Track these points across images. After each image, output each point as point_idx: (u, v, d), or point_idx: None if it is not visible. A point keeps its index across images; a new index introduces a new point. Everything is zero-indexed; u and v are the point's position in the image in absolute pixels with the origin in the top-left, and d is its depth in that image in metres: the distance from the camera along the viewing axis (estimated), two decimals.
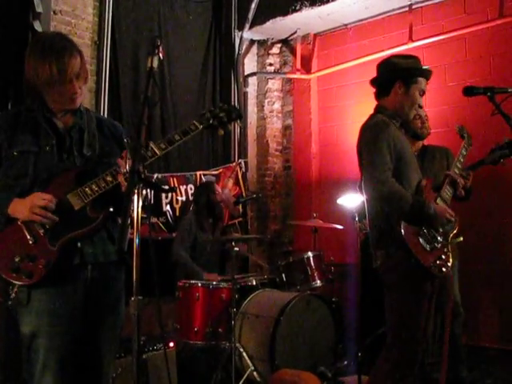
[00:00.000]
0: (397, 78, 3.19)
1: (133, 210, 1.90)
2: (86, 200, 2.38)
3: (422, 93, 3.23)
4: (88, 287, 2.44)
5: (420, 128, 4.10)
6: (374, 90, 3.34)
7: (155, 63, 2.19)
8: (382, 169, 3.00)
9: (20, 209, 2.35)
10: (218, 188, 5.47)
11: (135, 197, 1.90)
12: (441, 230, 3.10)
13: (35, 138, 2.44)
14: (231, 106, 2.58)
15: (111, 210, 2.45)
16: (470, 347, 4.56)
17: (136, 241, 1.87)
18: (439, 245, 3.05)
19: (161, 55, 2.23)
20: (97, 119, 2.65)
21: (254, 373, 4.29)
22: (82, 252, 2.43)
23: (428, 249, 3.01)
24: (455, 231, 3.21)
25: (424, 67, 3.27)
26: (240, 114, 2.60)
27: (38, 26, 4.88)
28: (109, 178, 2.38)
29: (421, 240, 3.00)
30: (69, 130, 2.51)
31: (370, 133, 3.13)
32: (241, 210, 6.56)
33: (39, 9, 4.88)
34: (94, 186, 2.38)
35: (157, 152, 2.41)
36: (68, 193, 2.39)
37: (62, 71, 2.34)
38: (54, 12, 5.19)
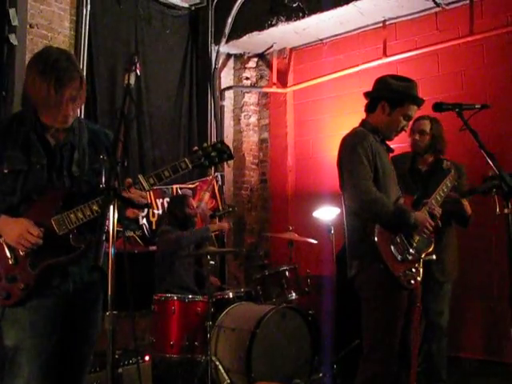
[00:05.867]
0: (383, 97, 3.23)
1: (108, 226, 1.90)
2: (70, 227, 2.35)
3: (408, 118, 3.25)
4: (69, 300, 2.44)
5: None
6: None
7: (132, 80, 2.20)
8: (362, 177, 3.05)
9: (7, 231, 2.33)
10: (192, 202, 5.47)
11: (110, 211, 1.90)
12: (414, 244, 3.15)
13: (26, 155, 2.40)
14: (224, 146, 2.53)
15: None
16: (452, 358, 4.58)
17: (111, 254, 1.88)
18: (411, 257, 3.10)
19: (138, 72, 2.25)
20: (89, 131, 2.61)
21: None
22: (66, 271, 2.42)
23: (399, 259, 3.05)
24: (430, 249, 3.25)
25: (415, 95, 3.24)
26: (231, 155, 2.56)
27: (13, 40, 4.86)
28: (95, 207, 2.34)
29: (393, 249, 3.05)
30: (60, 147, 2.48)
31: (349, 143, 3.19)
32: (217, 223, 6.55)
33: (15, 22, 4.85)
34: (79, 214, 2.34)
35: (145, 186, 2.38)
36: (53, 215, 2.35)
37: (59, 93, 2.30)
38: (30, 25, 5.17)
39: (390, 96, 3.21)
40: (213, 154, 2.47)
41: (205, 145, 2.50)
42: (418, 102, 3.24)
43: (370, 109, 3.32)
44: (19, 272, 2.33)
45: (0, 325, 2.34)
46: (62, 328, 2.40)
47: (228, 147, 2.54)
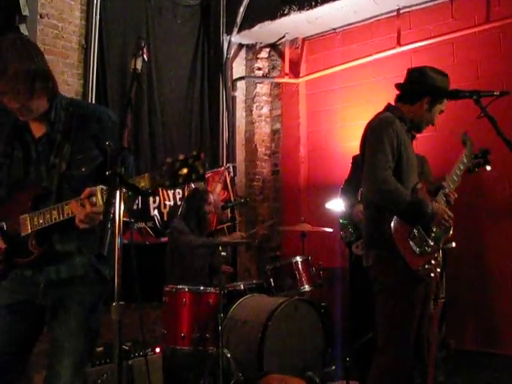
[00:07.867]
0: (428, 93, 3.19)
1: (114, 214, 1.85)
2: (32, 229, 2.28)
3: (441, 112, 3.26)
4: (44, 292, 2.38)
5: None
6: (397, 92, 3.32)
7: (139, 65, 2.14)
8: (382, 167, 2.99)
9: None
10: (211, 197, 5.38)
11: (117, 200, 1.85)
12: (433, 235, 3.09)
13: (8, 148, 2.39)
14: (199, 164, 1.89)
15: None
16: (454, 351, 4.55)
17: (117, 244, 1.83)
18: (429, 249, 3.04)
19: (145, 57, 2.18)
20: (79, 118, 2.44)
21: (242, 378, 4.26)
22: (39, 267, 2.36)
23: (417, 252, 3.00)
24: (449, 235, 3.19)
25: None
26: (203, 176, 1.91)
27: (24, 30, 4.83)
28: (54, 213, 2.23)
29: (411, 243, 2.99)
30: (37, 142, 2.40)
31: (375, 130, 3.13)
32: (229, 214, 6.53)
33: (25, 12, 4.83)
34: (40, 219, 2.26)
35: (100, 201, 2.14)
36: (21, 214, 2.31)
37: None
38: (41, 15, 5.15)
39: (435, 92, 3.18)
40: (181, 172, 1.89)
41: (175, 159, 1.91)
42: (450, 98, 3.23)
43: (406, 100, 3.25)
44: None
45: None
46: (33, 317, 2.39)
47: (203, 165, 1.89)
